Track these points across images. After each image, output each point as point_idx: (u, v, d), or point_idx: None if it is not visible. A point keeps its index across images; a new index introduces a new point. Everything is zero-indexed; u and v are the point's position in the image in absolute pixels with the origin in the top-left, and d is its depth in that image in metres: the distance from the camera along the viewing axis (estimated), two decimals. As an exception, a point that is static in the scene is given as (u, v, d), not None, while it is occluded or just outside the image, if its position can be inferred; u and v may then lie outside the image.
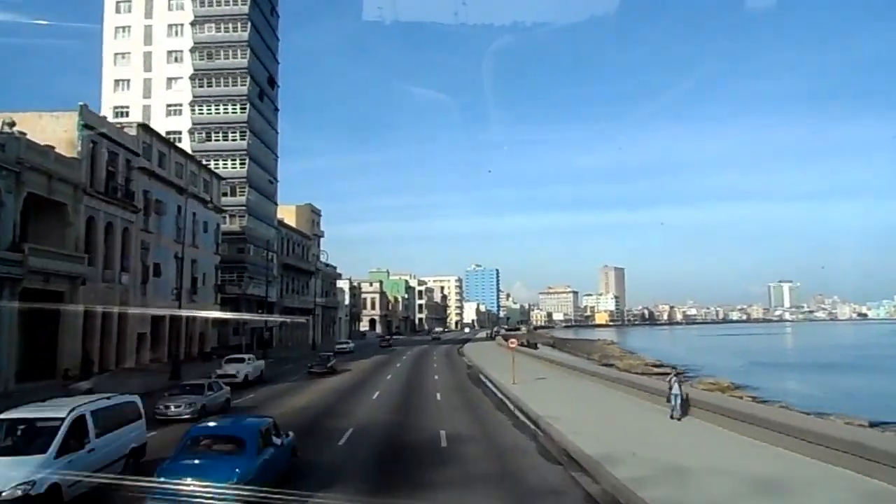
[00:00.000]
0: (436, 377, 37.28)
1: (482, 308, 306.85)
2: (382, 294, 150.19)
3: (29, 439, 10.97)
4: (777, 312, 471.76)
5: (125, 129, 41.35)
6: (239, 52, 64.79)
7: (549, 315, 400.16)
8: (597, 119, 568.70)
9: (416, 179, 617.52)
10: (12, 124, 30.28)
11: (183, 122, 64.63)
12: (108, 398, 13.31)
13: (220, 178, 58.50)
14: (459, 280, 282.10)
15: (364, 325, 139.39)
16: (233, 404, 24.27)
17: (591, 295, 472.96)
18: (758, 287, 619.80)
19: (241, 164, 64.11)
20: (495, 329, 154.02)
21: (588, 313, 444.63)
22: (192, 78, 64.54)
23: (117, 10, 65.39)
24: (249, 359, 35.62)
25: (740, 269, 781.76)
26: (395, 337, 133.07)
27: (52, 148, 32.30)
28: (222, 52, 64.63)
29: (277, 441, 12.80)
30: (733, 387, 49.62)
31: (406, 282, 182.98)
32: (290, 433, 14.04)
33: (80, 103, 35.22)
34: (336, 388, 30.62)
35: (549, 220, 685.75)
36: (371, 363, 49.96)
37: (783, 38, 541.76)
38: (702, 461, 13.41)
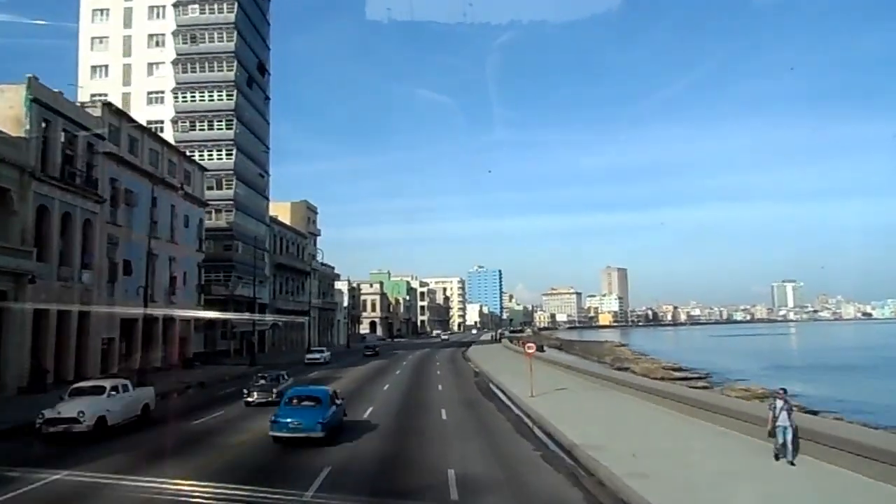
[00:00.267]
0: (439, 387, 32.53)
1: (485, 310, 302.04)
2: (383, 295, 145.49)
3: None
4: (781, 312, 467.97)
5: (88, 109, 36.74)
6: (225, 34, 60.21)
7: (553, 316, 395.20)
8: (599, 120, 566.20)
9: (417, 182, 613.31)
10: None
11: (165, 111, 60.07)
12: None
13: (203, 168, 53.87)
14: (462, 281, 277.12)
15: (364, 328, 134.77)
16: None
17: (594, 296, 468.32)
18: (760, 287, 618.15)
19: (227, 154, 59.51)
20: (500, 331, 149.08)
21: (591, 314, 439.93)
22: (174, 63, 59.98)
23: (95, -9, 60.97)
24: (116, 388, 20.04)
25: (743, 269, 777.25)
26: (396, 339, 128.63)
27: (-8, 124, 27.75)
28: (207, 35, 60.06)
29: (339, 401, 19.24)
30: (767, 393, 44.80)
31: (407, 283, 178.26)
32: (343, 399, 20.26)
33: (28, 75, 30.57)
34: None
35: (550, 221, 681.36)
36: (366, 370, 45.21)
37: (785, 38, 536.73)
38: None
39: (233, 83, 59.50)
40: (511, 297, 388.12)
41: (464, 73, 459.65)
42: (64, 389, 21.14)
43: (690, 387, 43.20)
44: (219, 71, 59.72)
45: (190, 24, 59.99)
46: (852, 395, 45.59)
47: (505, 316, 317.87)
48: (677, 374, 60.80)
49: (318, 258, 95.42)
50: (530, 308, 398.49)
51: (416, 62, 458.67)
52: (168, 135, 57.80)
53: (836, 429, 14.50)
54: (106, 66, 60.34)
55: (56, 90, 32.88)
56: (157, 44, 60.48)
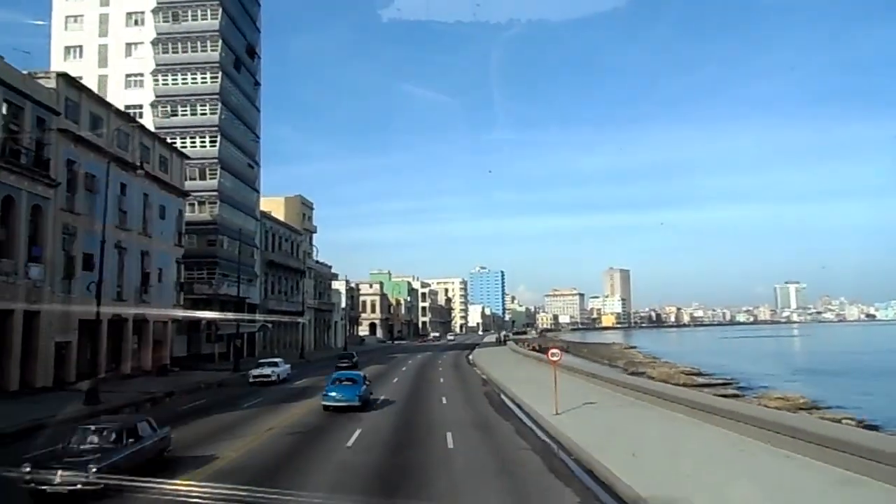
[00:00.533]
0: (443, 400, 27.73)
1: (487, 311, 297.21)
2: (383, 296, 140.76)
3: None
4: (784, 314, 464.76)
5: (41, 80, 32.04)
6: (209, 12, 55.51)
7: (555, 318, 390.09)
8: (601, 121, 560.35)
9: (419, 182, 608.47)
10: None
11: (144, 95, 55.35)
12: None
13: (183, 156, 49.12)
14: (464, 282, 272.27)
15: (364, 330, 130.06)
16: None
17: (597, 297, 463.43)
18: (763, 288, 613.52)
19: (211, 142, 54.79)
20: (504, 333, 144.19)
21: (594, 316, 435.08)
22: (154, 43, 55.28)
23: (68, -34, 56.25)
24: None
25: (745, 271, 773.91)
26: (397, 342, 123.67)
27: None
28: (190, 13, 55.36)
29: (368, 382, 26.29)
30: (810, 404, 39.95)
31: (408, 284, 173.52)
32: (370, 381, 27.43)
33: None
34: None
35: (552, 222, 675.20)
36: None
37: (786, 38, 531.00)
38: None
39: (217, 64, 54.78)
40: (513, 298, 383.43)
41: (465, 73, 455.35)
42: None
43: (716, 394, 38.63)
44: (202, 51, 55.04)
45: (171, 0, 55.31)
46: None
47: (507, 317, 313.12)
48: (700, 381, 55.98)
49: (314, 256, 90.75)
50: (533, 309, 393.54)
51: (416, 62, 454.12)
52: (147, 120, 53.12)
53: None
54: (80, 47, 55.68)
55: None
56: (136, 22, 55.79)
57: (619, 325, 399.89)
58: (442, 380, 38.42)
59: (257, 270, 65.94)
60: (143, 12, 55.68)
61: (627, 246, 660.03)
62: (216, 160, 54.51)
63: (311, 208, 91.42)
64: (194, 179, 53.89)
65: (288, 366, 40.87)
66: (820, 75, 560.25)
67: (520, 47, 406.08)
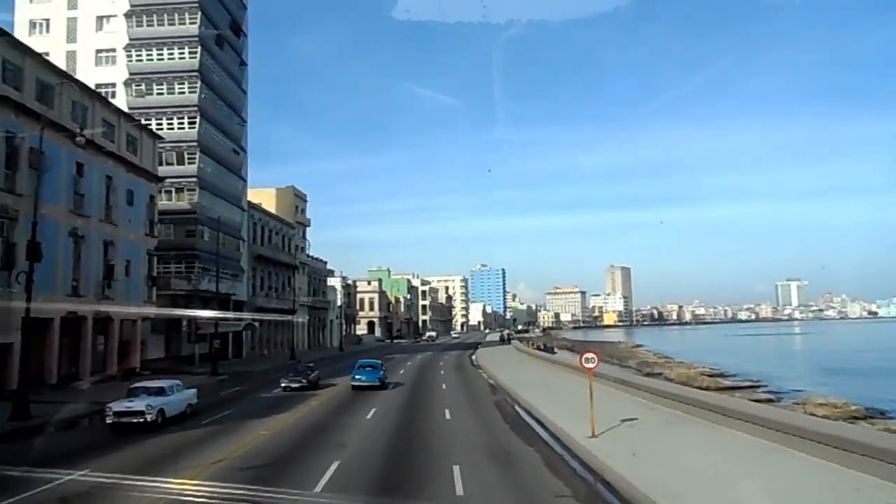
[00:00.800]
0: (447, 414, 22.94)
1: (488, 309, 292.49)
2: (382, 294, 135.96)
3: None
4: (786, 311, 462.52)
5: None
6: (188, -19, 50.67)
7: (557, 316, 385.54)
8: (601, 119, 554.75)
9: (419, 181, 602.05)
10: None
11: (117, 73, 50.52)
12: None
13: (156, 136, 44.34)
14: (465, 280, 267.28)
15: (362, 329, 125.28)
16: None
17: (598, 295, 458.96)
18: (764, 285, 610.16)
19: (190, 123, 49.96)
20: (507, 332, 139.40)
21: (596, 314, 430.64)
22: (128, 15, 50.41)
23: (33, -69, 51.39)
24: None
25: (746, 268, 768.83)
26: (396, 341, 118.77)
27: None
28: (167, -18, 50.52)
29: (384, 368, 33.72)
30: (864, 412, 35.10)
31: (408, 281, 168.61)
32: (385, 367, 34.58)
33: None
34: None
35: (553, 220, 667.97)
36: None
37: (788, 37, 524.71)
38: None
39: (196, 38, 49.91)
40: (514, 296, 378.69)
41: (466, 72, 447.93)
42: None
43: (751, 399, 33.97)
44: (180, 24, 50.18)
45: (146, -31, 50.49)
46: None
47: (509, 315, 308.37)
48: (725, 383, 51.15)
49: (308, 251, 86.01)
50: (534, 307, 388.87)
51: (417, 61, 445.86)
52: (121, 100, 48.39)
53: None
54: (47, 21, 50.89)
55: None
56: (108, -7, 50.96)
57: (620, 324, 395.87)
58: (444, 386, 33.64)
59: (244, 265, 61.18)
60: (115, -18, 50.82)
61: (628, 243, 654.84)
62: (195, 143, 49.67)
63: (305, 200, 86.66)
64: (171, 164, 49.15)
65: (193, 391, 24.15)
66: (820, 72, 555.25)
67: (520, 47, 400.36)
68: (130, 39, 50.25)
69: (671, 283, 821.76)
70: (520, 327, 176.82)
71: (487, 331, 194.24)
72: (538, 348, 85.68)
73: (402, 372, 43.18)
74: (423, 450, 16.36)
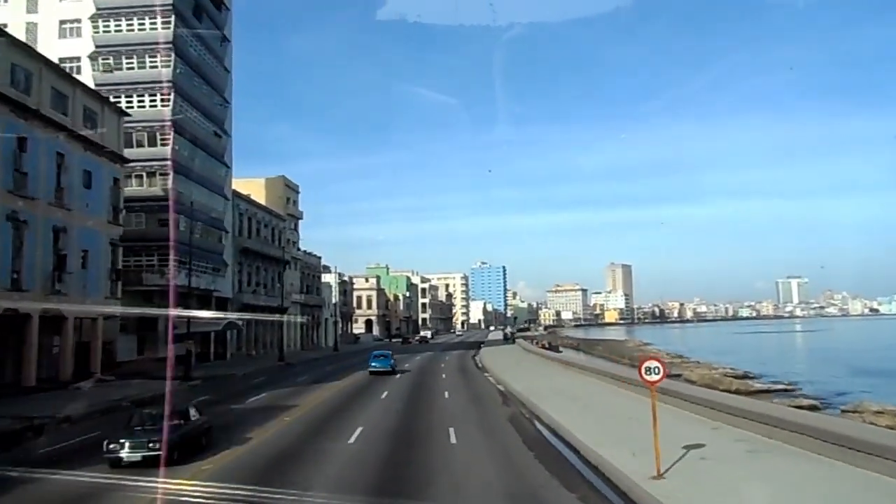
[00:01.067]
0: (451, 437, 18.02)
1: (489, 307, 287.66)
2: (380, 291, 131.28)
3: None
4: (787, 309, 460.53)
5: None
6: (161, -56, 45.78)
7: (558, 314, 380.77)
8: (601, 119, 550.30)
9: (420, 180, 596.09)
10: None
11: (83, 46, 45.64)
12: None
13: (121, 111, 39.48)
14: (465, 278, 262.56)
15: (359, 327, 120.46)
16: None
17: (599, 293, 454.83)
18: (764, 283, 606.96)
19: (163, 100, 45.11)
20: (511, 330, 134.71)
21: (597, 311, 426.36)
22: (94, -18, 45.61)
23: None
24: None
25: (746, 266, 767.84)
26: (394, 340, 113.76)
27: None
28: (137, -55, 45.65)
29: (394, 356, 42.67)
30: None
31: (408, 279, 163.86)
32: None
33: None
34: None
35: (553, 218, 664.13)
36: (330, 399, 30.88)
37: (787, 35, 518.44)
38: None
39: (170, 6, 45.03)
40: (514, 294, 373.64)
41: (466, 72, 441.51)
42: None
43: (793, 406, 29.31)
44: (152, -9, 45.33)
45: (115, -69, 45.60)
46: None
47: (509, 313, 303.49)
48: (756, 386, 46.50)
49: (299, 244, 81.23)
50: (535, 305, 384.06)
51: (418, 61, 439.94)
52: (87, 76, 43.59)
53: None
54: (6, -11, 46.04)
55: None
56: (73, -42, 46.12)
57: (622, 321, 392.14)
58: (447, 394, 28.78)
59: (228, 259, 56.38)
60: (80, -54, 45.93)
61: (629, 241, 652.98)
62: (169, 122, 44.83)
63: (297, 192, 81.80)
64: (143, 146, 44.38)
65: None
66: (821, 71, 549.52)
67: (521, 47, 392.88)
68: (97, 8, 45.32)
69: (672, 280, 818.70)
70: (519, 326, 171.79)
71: (491, 328, 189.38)
72: (543, 347, 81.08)
73: (397, 377, 38.30)
74: None
